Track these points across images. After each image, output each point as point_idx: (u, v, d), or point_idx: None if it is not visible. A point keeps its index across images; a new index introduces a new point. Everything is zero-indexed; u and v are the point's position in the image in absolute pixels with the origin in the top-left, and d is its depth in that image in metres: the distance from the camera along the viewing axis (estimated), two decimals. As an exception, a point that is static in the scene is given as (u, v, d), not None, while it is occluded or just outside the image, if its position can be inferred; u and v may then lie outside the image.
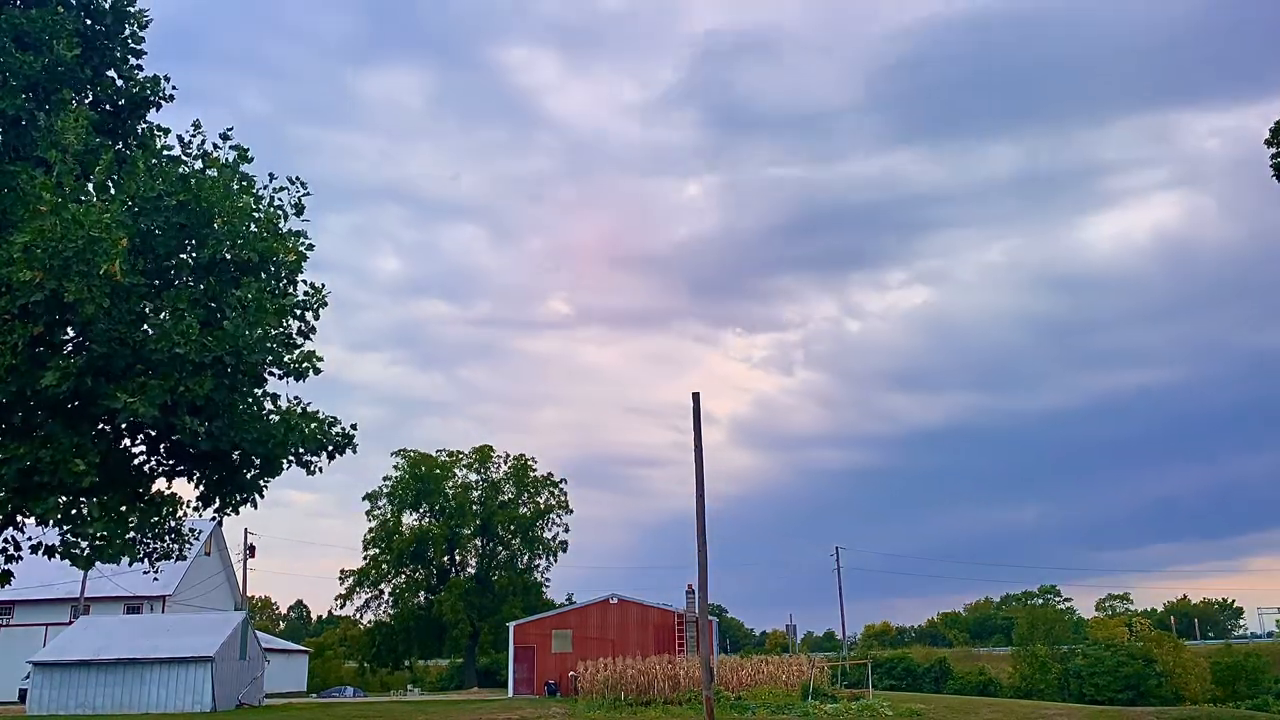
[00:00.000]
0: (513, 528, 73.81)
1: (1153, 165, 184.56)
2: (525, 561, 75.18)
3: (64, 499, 13.49)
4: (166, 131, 15.65)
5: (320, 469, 15.12)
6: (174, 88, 16.33)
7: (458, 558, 74.86)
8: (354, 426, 15.43)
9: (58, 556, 14.42)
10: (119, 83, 16.04)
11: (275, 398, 14.77)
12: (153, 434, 14.33)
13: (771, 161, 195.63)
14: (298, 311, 14.77)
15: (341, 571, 74.58)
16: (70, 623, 46.53)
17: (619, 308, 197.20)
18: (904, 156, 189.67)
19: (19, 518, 14.27)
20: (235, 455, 14.48)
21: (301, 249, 14.50)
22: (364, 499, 73.58)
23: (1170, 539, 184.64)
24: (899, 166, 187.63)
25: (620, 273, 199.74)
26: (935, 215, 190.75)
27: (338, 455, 15.22)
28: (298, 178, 14.84)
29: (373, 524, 73.21)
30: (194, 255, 13.78)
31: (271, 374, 14.22)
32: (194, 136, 14.83)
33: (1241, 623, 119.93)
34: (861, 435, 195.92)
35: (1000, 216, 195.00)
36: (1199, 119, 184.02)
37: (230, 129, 14.62)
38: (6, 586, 15.54)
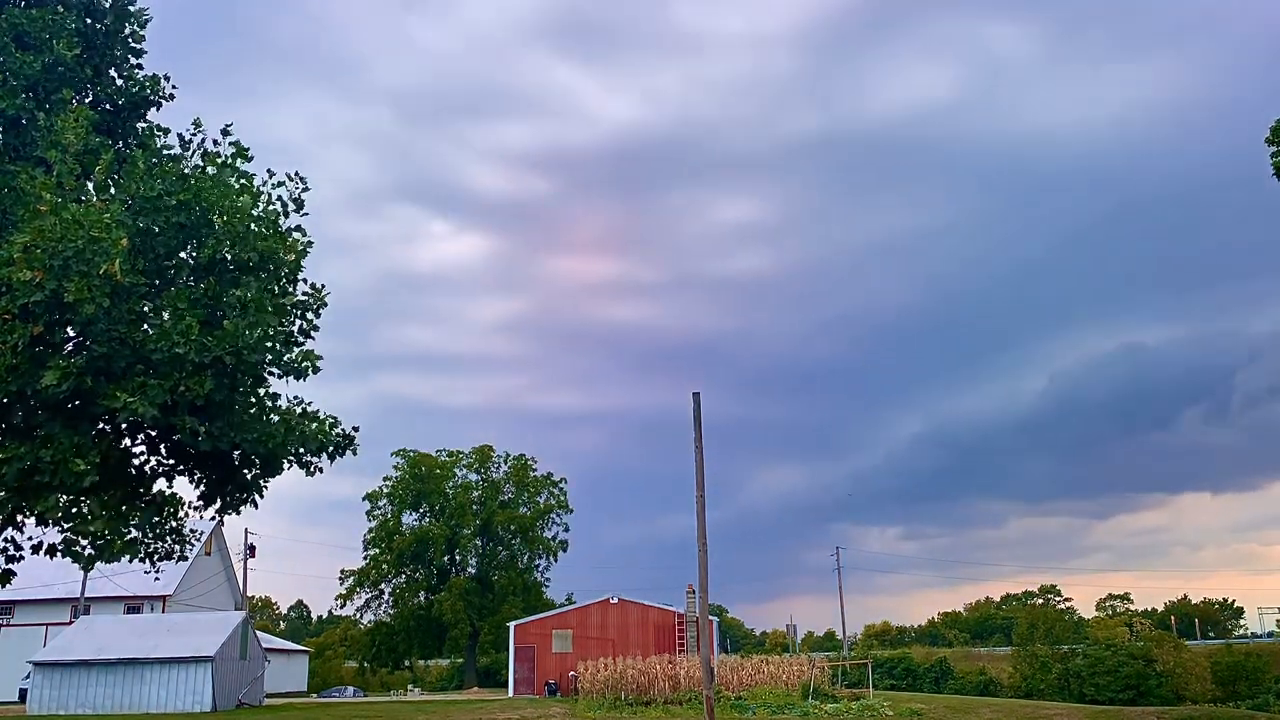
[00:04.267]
0: (513, 528, 73.83)
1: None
2: (525, 561, 75.23)
3: (64, 498, 13.48)
4: (166, 131, 15.63)
5: (320, 470, 15.11)
6: (174, 87, 16.32)
7: (458, 558, 74.81)
8: (355, 428, 15.41)
9: (59, 556, 14.44)
10: (119, 82, 16.02)
11: (276, 397, 14.76)
12: (153, 434, 14.32)
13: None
14: (298, 311, 14.76)
15: (342, 571, 74.65)
16: (70, 623, 46.50)
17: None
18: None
19: (20, 517, 14.26)
20: (235, 455, 14.46)
21: (301, 247, 14.47)
22: (364, 499, 73.70)
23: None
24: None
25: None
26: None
27: (338, 456, 15.20)
28: (296, 172, 14.83)
29: (373, 524, 73.26)
30: (194, 255, 13.76)
31: (271, 373, 14.19)
32: (194, 135, 14.81)
33: (1242, 623, 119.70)
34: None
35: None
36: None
37: (230, 124, 14.58)
38: (7, 586, 15.56)
